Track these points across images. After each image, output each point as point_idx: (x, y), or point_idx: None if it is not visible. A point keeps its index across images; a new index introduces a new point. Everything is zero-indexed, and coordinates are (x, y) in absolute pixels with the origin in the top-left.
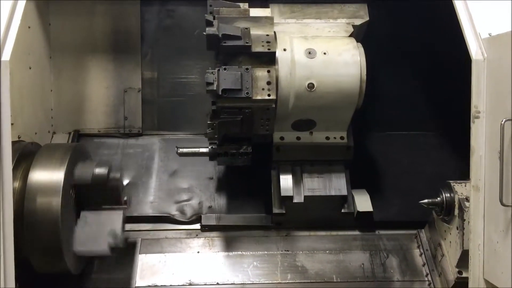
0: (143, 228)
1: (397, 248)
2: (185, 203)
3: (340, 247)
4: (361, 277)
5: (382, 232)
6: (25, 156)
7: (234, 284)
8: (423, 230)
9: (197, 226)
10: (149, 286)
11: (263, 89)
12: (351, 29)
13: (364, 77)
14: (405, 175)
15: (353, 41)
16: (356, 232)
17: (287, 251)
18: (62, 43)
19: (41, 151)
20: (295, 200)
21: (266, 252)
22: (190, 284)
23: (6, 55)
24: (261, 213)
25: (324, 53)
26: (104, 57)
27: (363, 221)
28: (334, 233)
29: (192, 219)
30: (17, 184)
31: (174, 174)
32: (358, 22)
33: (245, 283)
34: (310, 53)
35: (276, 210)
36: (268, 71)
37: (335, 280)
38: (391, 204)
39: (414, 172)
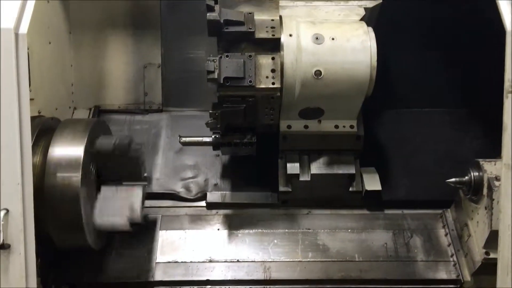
0: (164, 205)
1: (421, 227)
2: (191, 180)
3: (363, 226)
4: (384, 257)
5: (406, 211)
6: (45, 131)
7: (254, 261)
8: (448, 209)
9: (201, 203)
10: (170, 262)
11: (267, 77)
12: (363, 12)
13: (375, 64)
14: (416, 154)
15: (363, 25)
16: (379, 212)
17: (308, 229)
18: (82, 17)
19: (61, 126)
20: (301, 178)
21: (287, 230)
22: (210, 261)
23: (24, 28)
24: (267, 191)
25: (332, 39)
26: (124, 32)
27: (371, 200)
28: (356, 211)
29: (197, 197)
30: (37, 159)
31: (181, 151)
32: (370, 4)
33: (266, 261)
34: (317, 38)
35: (282, 188)
36: (273, 58)
37: (357, 259)
38: (400, 183)
39: (426, 150)
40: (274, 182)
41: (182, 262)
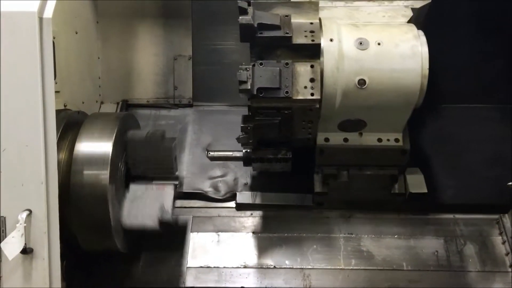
0: (195, 205)
1: (475, 234)
2: (219, 179)
3: (410, 232)
4: (434, 266)
5: (458, 216)
6: (72, 125)
7: (292, 268)
8: (506, 215)
9: (232, 204)
10: (202, 267)
11: (305, 87)
12: (410, 13)
13: (426, 71)
14: (463, 153)
15: (412, 28)
16: (427, 216)
17: (350, 234)
18: (109, 7)
19: (88, 120)
20: (339, 179)
21: (327, 235)
22: (245, 267)
23: (48, 12)
24: (301, 192)
25: (378, 44)
26: (153, 21)
27: (416, 204)
28: (403, 216)
29: (226, 197)
30: (62, 156)
31: (208, 148)
32: (418, 4)
33: (305, 268)
34: (361, 43)
35: (318, 189)
36: (312, 66)
37: (405, 268)
38: (447, 185)
39: (473, 150)
40: (309, 182)
41: (214, 267)
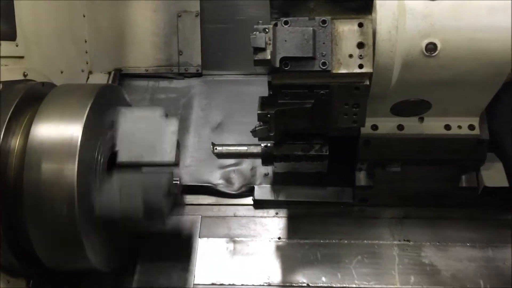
0: (203, 202)
1: None
2: (233, 168)
3: (488, 238)
4: None
5: None
6: (32, 101)
7: (331, 286)
8: None
9: (250, 200)
10: (213, 284)
11: (350, 55)
12: None
13: None
14: None
15: None
16: (510, 217)
17: (407, 241)
18: None
19: (52, 94)
20: (389, 168)
21: (376, 242)
22: (269, 284)
23: None
24: (338, 186)
25: None
26: None
27: (493, 201)
28: (476, 217)
29: (241, 191)
30: (15, 142)
31: (219, 128)
32: None
33: (347, 286)
34: None
35: (361, 182)
36: (360, 25)
37: (482, 287)
38: None
39: None
40: (347, 173)
41: (229, 284)
